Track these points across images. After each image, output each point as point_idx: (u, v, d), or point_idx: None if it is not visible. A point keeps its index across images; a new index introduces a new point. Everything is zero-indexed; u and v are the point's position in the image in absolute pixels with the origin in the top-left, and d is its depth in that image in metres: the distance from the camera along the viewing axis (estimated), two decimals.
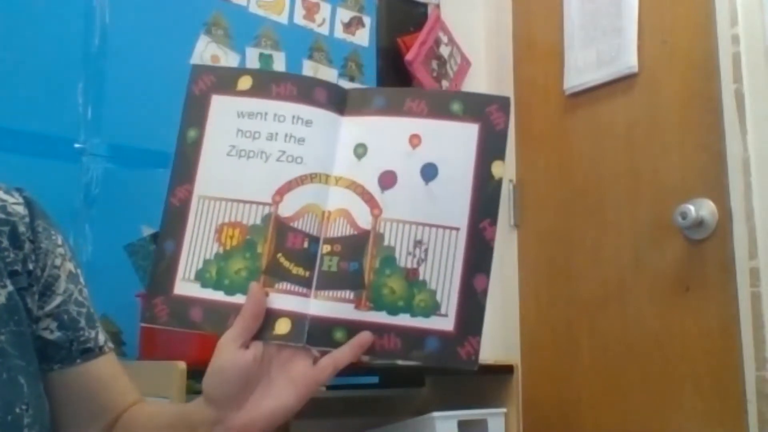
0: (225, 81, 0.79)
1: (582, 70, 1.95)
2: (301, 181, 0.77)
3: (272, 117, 0.78)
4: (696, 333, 1.65)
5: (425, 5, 2.21)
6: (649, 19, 1.82)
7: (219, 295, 0.76)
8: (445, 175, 0.76)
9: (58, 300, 0.80)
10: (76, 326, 0.81)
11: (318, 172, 0.77)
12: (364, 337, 0.74)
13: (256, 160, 0.77)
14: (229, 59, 1.80)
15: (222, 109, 0.79)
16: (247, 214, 0.76)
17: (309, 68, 1.93)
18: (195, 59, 1.74)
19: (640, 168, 1.80)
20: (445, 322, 0.75)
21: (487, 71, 2.26)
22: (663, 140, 1.76)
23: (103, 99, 1.61)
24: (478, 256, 0.76)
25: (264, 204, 0.76)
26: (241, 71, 0.81)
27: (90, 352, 0.82)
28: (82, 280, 0.84)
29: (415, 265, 0.75)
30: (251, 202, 0.77)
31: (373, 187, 0.76)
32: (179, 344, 1.32)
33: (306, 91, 0.78)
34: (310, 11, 1.97)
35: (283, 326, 0.74)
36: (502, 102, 0.79)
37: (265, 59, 1.86)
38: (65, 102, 1.56)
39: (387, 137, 0.78)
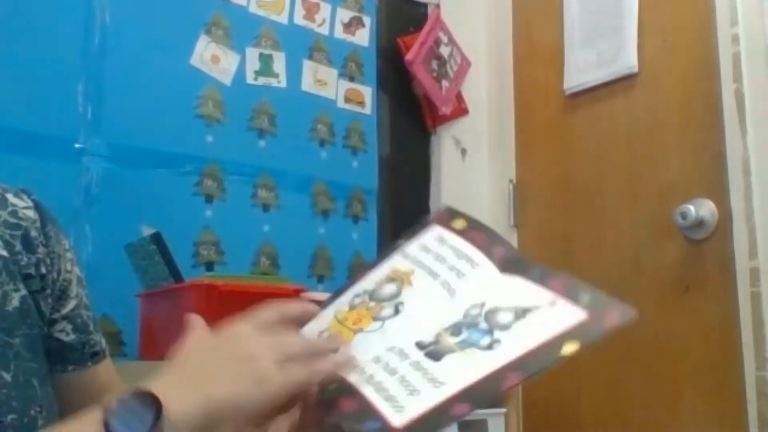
0: (448, 217, 0.87)
1: (582, 70, 1.95)
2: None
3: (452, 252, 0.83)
4: (696, 333, 1.65)
5: (425, 5, 2.21)
6: (649, 19, 1.82)
7: None
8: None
9: (72, 304, 0.81)
10: (87, 329, 0.82)
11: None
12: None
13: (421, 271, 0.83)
14: (229, 59, 1.80)
15: (432, 235, 0.86)
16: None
17: (309, 68, 1.93)
18: (195, 59, 1.74)
19: (641, 168, 1.80)
20: (398, 417, 0.64)
21: (487, 71, 2.26)
22: (663, 140, 1.76)
23: (103, 99, 1.60)
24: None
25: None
26: (462, 216, 0.87)
27: (97, 355, 0.84)
28: (84, 284, 0.85)
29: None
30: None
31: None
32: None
33: (489, 243, 0.82)
34: (310, 11, 1.97)
35: None
36: (625, 312, 0.68)
37: (265, 59, 1.86)
38: (65, 102, 1.55)
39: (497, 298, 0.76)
